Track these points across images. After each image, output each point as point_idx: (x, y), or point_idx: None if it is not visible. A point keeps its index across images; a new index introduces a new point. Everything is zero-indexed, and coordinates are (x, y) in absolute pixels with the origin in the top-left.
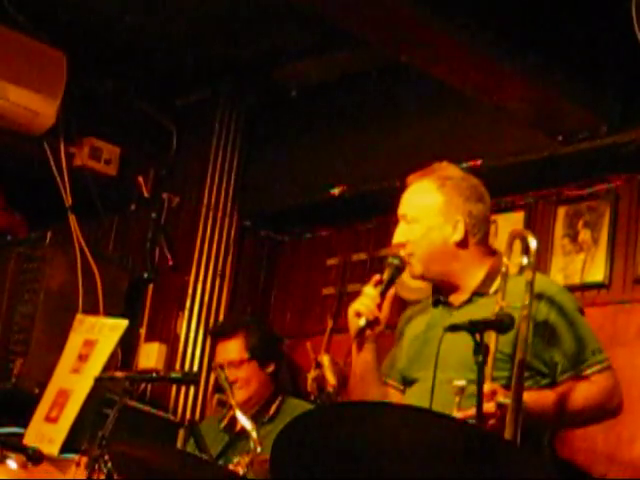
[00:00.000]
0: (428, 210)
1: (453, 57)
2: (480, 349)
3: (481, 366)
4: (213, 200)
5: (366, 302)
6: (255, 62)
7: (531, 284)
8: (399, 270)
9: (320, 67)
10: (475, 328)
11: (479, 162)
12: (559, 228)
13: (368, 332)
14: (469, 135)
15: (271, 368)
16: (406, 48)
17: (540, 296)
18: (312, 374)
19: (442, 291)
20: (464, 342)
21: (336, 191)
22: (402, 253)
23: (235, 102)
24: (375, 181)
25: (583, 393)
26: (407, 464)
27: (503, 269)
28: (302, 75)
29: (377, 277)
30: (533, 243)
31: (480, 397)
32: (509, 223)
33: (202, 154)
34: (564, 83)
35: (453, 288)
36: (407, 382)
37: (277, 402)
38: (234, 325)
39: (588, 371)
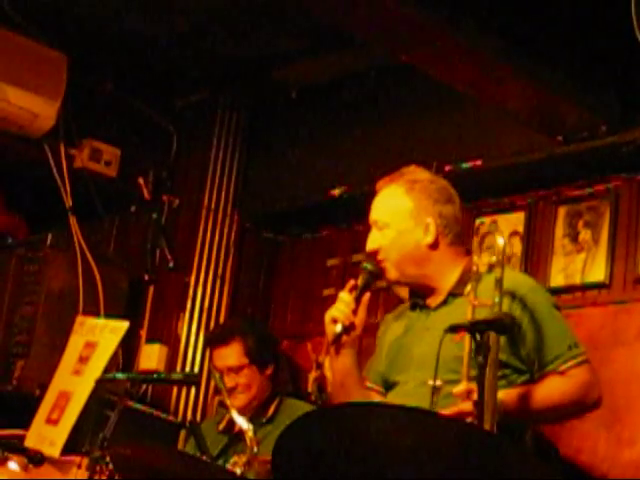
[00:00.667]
0: (398, 214)
1: (453, 57)
2: (481, 349)
3: (482, 366)
4: (213, 201)
5: (341, 308)
6: (255, 62)
7: (500, 282)
8: (373, 275)
9: (320, 68)
10: (476, 328)
11: (479, 162)
12: (559, 228)
13: (344, 338)
14: (469, 135)
15: (270, 370)
16: (406, 48)
17: (513, 293)
18: (313, 375)
19: (419, 294)
20: (442, 343)
21: (336, 192)
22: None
23: (235, 103)
24: (375, 181)
25: (560, 388)
26: (407, 464)
27: (474, 268)
28: (302, 76)
29: (352, 283)
30: (500, 241)
31: (481, 397)
32: (509, 223)
33: (202, 155)
34: (564, 83)
35: (429, 290)
36: (388, 385)
37: (275, 403)
38: (230, 331)
39: (564, 366)
